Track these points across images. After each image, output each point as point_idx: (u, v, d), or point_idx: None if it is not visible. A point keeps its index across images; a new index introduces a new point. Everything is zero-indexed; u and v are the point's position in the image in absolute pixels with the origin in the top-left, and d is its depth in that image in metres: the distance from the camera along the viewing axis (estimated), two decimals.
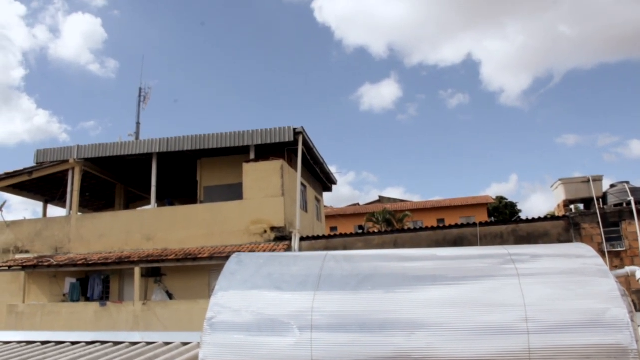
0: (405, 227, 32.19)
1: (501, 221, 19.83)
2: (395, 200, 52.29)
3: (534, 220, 18.62)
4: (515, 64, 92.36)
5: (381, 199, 53.58)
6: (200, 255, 18.23)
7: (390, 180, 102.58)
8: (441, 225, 19.31)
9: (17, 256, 21.58)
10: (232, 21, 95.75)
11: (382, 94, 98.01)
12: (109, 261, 19.20)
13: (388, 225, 38.61)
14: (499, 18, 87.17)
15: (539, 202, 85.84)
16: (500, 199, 51.56)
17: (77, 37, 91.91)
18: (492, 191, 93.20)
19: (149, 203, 21.94)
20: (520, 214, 49.06)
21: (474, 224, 18.67)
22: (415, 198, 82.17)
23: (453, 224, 19.53)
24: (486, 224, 19.23)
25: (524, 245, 4.74)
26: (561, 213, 19.48)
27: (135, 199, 28.17)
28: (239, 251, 17.87)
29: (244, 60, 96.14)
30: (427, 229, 19.52)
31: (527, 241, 17.88)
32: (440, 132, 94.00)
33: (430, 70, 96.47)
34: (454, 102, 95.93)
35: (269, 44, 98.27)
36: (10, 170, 23.15)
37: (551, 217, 19.17)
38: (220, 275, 4.32)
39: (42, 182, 24.08)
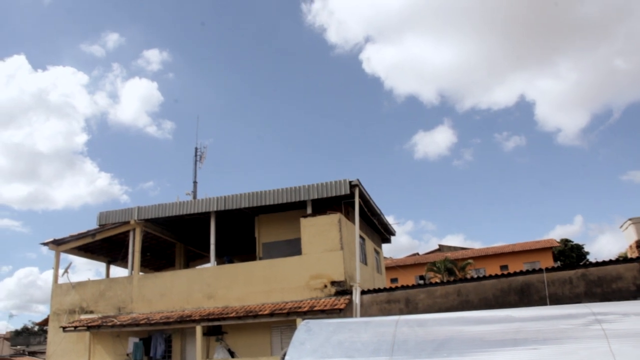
0: (468, 276, 31.36)
1: (569, 265, 18.96)
2: (455, 248, 51.28)
3: (604, 263, 17.72)
4: (570, 102, 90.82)
5: (441, 248, 52.64)
6: (260, 312, 18.11)
7: (449, 227, 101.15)
8: (505, 272, 18.62)
9: (82, 316, 21.95)
10: (283, 77, 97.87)
11: (436, 141, 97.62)
12: (171, 320, 19.28)
13: (450, 274, 37.76)
14: (549, 57, 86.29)
15: (608, 243, 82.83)
16: (566, 241, 49.88)
17: (135, 101, 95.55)
18: (557, 234, 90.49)
19: (208, 261, 22.08)
20: (588, 257, 47.25)
21: (540, 270, 17.93)
22: (476, 245, 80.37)
23: (517, 270, 18.84)
24: (553, 269, 18.44)
25: (609, 303, 4.44)
26: (634, 254, 18.55)
27: (195, 257, 28.46)
28: (300, 307, 17.73)
29: (295, 114, 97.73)
30: (490, 277, 18.86)
31: (598, 286, 17.03)
32: (498, 176, 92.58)
33: (483, 113, 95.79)
34: (510, 144, 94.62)
35: (320, 97, 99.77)
36: (75, 232, 23.87)
37: (624, 259, 18.22)
38: (290, 345, 4.19)
39: (105, 243, 24.65)
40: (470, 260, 40.83)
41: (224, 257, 24.39)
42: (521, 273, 18.10)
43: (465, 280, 18.99)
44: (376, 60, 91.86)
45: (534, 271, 17.96)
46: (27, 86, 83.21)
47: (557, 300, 16.93)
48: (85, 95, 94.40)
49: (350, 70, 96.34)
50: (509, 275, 18.34)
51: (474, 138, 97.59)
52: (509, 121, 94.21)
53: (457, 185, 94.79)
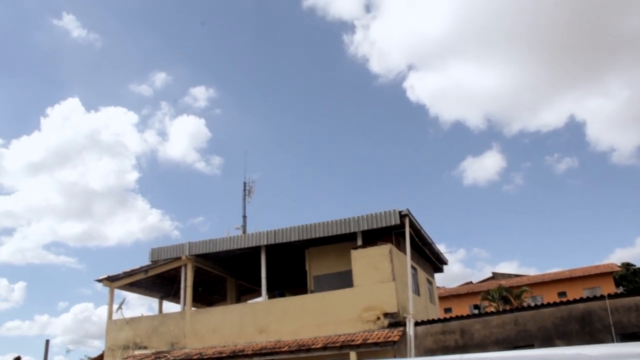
0: (525, 304, 30.38)
1: (633, 291, 18.14)
2: (510, 276, 50.01)
3: None
4: (623, 120, 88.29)
5: (495, 275, 51.43)
6: (313, 346, 17.89)
7: (502, 254, 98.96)
8: (564, 299, 17.96)
9: (136, 352, 22.12)
10: (328, 108, 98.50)
11: (485, 166, 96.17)
12: (224, 355, 19.22)
13: (505, 302, 36.71)
14: (598, 75, 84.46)
15: None
16: (627, 265, 48.03)
17: (184, 138, 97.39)
18: (617, 257, 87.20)
19: (260, 295, 22.04)
20: None
21: (602, 297, 17.18)
22: (532, 271, 78.33)
23: (577, 297, 18.12)
24: (616, 295, 17.69)
25: None
26: None
27: (246, 291, 28.49)
28: (353, 340, 17.45)
29: (341, 145, 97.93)
30: (549, 305, 18.18)
31: None
32: (551, 199, 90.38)
33: (532, 136, 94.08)
34: (562, 166, 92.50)
35: (365, 127, 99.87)
36: (128, 269, 24.25)
37: None
38: None
39: (157, 279, 24.93)
40: (525, 288, 39.69)
41: (275, 291, 24.33)
42: (582, 300, 17.41)
43: (522, 309, 18.40)
44: (420, 88, 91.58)
45: (595, 298, 17.25)
46: (81, 127, 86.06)
47: (622, 328, 16.20)
48: (135, 133, 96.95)
49: (395, 99, 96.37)
50: (569, 302, 17.65)
51: (524, 162, 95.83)
52: (560, 143, 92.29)
53: (509, 210, 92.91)
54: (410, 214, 19.61)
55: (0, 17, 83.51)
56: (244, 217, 28.64)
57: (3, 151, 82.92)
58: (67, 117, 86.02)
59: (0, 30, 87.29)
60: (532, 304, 18.76)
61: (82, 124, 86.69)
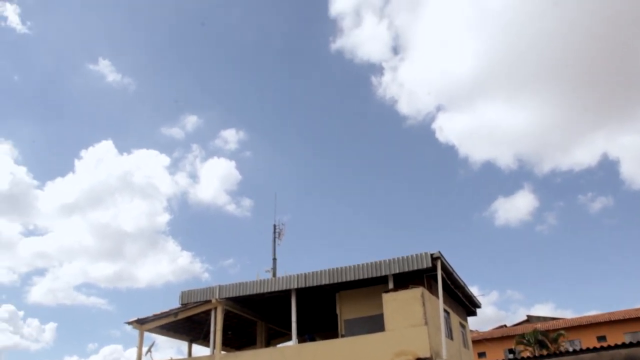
0: (562, 349, 29.57)
1: None
2: (545, 319, 48.73)
3: None
4: None
5: (530, 318, 50.17)
6: None
7: (537, 296, 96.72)
8: (604, 344, 17.34)
9: None
10: (357, 150, 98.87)
11: (517, 206, 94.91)
12: None
13: (541, 347, 35.70)
14: (629, 111, 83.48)
15: None
16: None
17: (214, 180, 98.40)
18: None
19: (290, 339, 21.78)
20: None
21: None
22: (568, 314, 76.29)
23: (619, 342, 17.50)
24: None
25: None
26: None
27: (276, 335, 28.19)
28: None
29: (371, 188, 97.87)
30: (588, 350, 17.58)
31: None
32: (586, 239, 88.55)
33: (564, 175, 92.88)
34: (597, 205, 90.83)
35: (395, 169, 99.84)
36: (158, 312, 24.20)
37: None
38: None
39: (186, 322, 24.82)
40: (562, 332, 38.54)
41: (305, 335, 24.01)
42: (625, 346, 16.78)
43: (560, 354, 17.84)
44: (449, 129, 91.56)
45: (639, 343, 16.63)
46: (114, 169, 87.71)
47: None
48: (167, 176, 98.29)
49: (424, 140, 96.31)
50: (610, 348, 17.05)
51: (556, 201, 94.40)
52: (593, 181, 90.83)
53: (543, 251, 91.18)
54: (442, 256, 19.34)
55: (40, 63, 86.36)
56: (274, 259, 28.57)
57: (38, 193, 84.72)
58: (100, 159, 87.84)
59: (40, 75, 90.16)
60: (570, 349, 18.17)
61: (115, 166, 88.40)
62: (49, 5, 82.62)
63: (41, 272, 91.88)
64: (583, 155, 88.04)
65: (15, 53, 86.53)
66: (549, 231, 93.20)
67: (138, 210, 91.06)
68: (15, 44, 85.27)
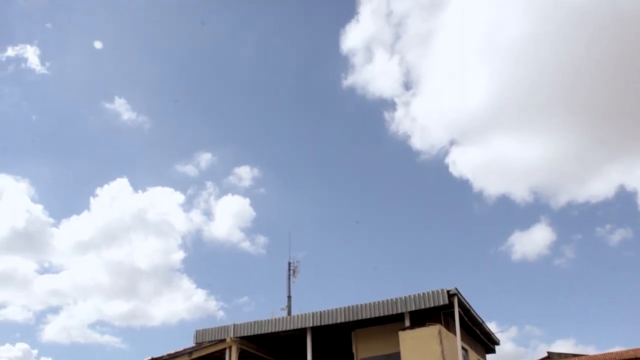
0: None
1: None
2: (566, 355, 47.47)
3: None
4: None
5: (550, 355, 48.92)
6: None
7: (557, 332, 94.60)
8: None
9: None
10: (371, 186, 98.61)
11: (534, 240, 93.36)
12: None
13: None
14: None
15: None
16: None
17: (228, 217, 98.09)
18: None
19: None
20: None
21: None
22: (590, 350, 74.45)
23: None
24: None
25: None
26: None
27: None
28: None
29: (385, 224, 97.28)
30: None
31: None
32: (606, 272, 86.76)
33: (581, 208, 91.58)
34: (615, 238, 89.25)
35: (408, 204, 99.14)
36: (172, 350, 23.98)
37: None
38: None
39: None
40: None
41: None
42: None
43: None
44: (462, 163, 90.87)
45: None
46: (129, 207, 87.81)
47: None
48: (181, 213, 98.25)
49: (437, 175, 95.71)
50: None
51: (574, 234, 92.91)
52: (611, 213, 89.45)
53: (562, 284, 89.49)
54: (459, 293, 19.09)
55: (58, 102, 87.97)
56: (289, 297, 28.40)
57: (54, 230, 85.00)
58: (115, 197, 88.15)
59: (57, 114, 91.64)
60: None
61: (130, 203, 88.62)
62: (68, 46, 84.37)
63: (55, 310, 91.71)
64: (599, 187, 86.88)
65: (34, 93, 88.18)
66: (568, 265, 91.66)
67: (153, 248, 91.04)
68: (35, 84, 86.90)
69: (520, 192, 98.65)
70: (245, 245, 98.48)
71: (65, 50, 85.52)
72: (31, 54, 77.41)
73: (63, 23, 78.11)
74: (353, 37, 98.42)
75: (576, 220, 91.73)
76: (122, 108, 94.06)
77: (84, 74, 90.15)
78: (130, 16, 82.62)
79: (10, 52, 66.14)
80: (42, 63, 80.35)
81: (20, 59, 71.22)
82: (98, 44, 66.13)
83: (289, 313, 26.50)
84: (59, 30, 76.52)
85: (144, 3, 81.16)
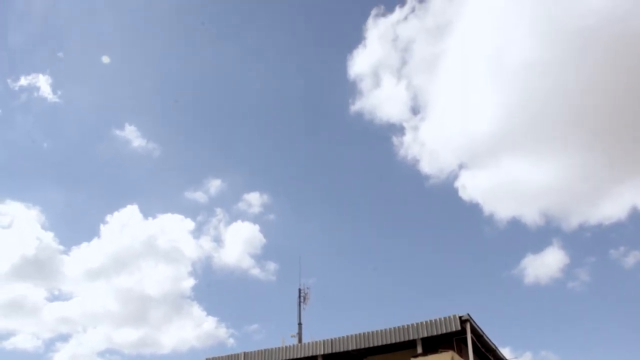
0: None
1: None
2: None
3: None
4: None
5: None
6: None
7: (573, 356, 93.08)
8: None
9: None
10: (381, 211, 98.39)
11: (547, 263, 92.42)
12: None
13: None
14: None
15: None
16: None
17: (238, 244, 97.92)
18: None
19: None
20: None
21: None
22: None
23: None
24: None
25: None
26: None
27: None
28: None
29: (395, 249, 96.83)
30: None
31: None
32: (622, 295, 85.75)
33: (594, 230, 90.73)
34: (630, 260, 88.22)
35: (418, 229, 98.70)
36: None
37: None
38: None
39: None
40: None
41: None
42: None
43: None
44: (472, 186, 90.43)
45: None
46: (139, 234, 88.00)
47: None
48: (191, 240, 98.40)
49: (448, 199, 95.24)
50: None
51: (587, 257, 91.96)
52: (624, 235, 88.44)
53: (576, 308, 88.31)
54: (471, 318, 18.91)
55: (69, 130, 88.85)
56: (300, 324, 28.17)
57: (64, 258, 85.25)
58: (125, 224, 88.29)
59: (68, 141, 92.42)
60: None
61: (140, 230, 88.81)
62: (80, 74, 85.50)
63: (65, 337, 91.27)
64: (612, 208, 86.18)
65: (46, 121, 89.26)
66: (582, 288, 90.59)
67: (163, 275, 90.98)
68: (46, 112, 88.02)
69: (531, 215, 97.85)
70: (256, 271, 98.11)
71: (77, 79, 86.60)
72: (43, 83, 78.42)
73: (74, 52, 79.31)
74: (360, 63, 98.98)
75: (589, 243, 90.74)
76: (132, 135, 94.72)
77: (95, 101, 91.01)
78: (140, 45, 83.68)
79: (23, 81, 67.17)
80: (54, 92, 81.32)
81: (32, 88, 72.26)
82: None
83: (300, 340, 26.27)
84: (70, 59, 77.71)
85: (154, 32, 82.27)
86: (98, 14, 78.57)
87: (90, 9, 78.94)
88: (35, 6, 72.65)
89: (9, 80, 69.59)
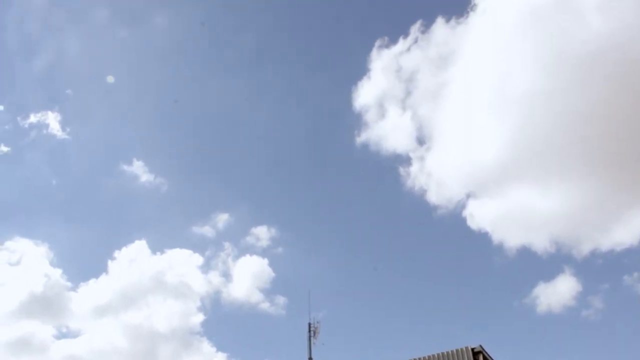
0: None
1: None
2: None
3: None
4: None
5: None
6: None
7: None
8: None
9: None
10: (390, 242, 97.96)
11: (560, 291, 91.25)
12: None
13: None
14: None
15: None
16: None
17: (247, 278, 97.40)
18: None
19: None
20: None
21: None
22: None
23: None
24: None
25: None
26: None
27: None
28: None
29: (405, 281, 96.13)
30: None
31: None
32: (638, 322, 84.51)
33: (606, 256, 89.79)
34: None
35: (427, 260, 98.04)
36: None
37: None
38: None
39: None
40: None
41: None
42: None
43: None
44: (481, 215, 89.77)
45: None
46: (147, 269, 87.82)
47: None
48: (199, 275, 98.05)
49: (456, 229, 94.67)
50: None
51: (601, 284, 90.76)
52: (637, 261, 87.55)
53: (591, 336, 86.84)
54: (484, 350, 18.67)
55: (77, 166, 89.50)
56: (310, 359, 27.85)
57: (71, 295, 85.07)
58: (133, 260, 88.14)
59: (76, 178, 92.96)
60: None
61: (148, 266, 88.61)
62: (88, 111, 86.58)
63: None
64: (623, 234, 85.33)
65: (55, 158, 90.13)
66: (596, 316, 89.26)
67: (171, 311, 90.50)
68: (56, 149, 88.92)
69: (541, 243, 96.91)
70: (265, 306, 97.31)
71: (85, 115, 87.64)
72: (52, 120, 79.33)
73: (83, 89, 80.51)
74: (365, 94, 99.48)
75: (602, 270, 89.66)
76: (140, 170, 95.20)
77: (104, 137, 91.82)
78: (148, 81, 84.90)
79: (33, 118, 68.01)
80: (63, 128, 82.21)
81: (42, 125, 73.12)
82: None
83: None
84: (79, 96, 78.84)
85: (161, 70, 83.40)
86: (106, 51, 79.90)
87: (98, 46, 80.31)
88: (44, 44, 74.05)
89: (18, 118, 70.74)
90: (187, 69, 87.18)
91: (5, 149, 68.62)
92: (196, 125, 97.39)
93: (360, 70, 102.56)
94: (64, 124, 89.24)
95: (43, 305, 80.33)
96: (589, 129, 72.91)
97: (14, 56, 78.57)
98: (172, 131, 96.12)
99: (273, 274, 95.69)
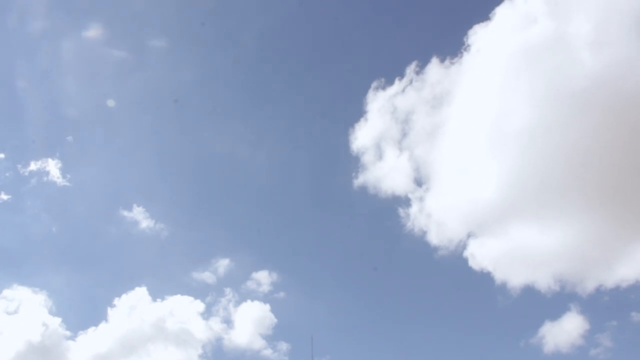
0: None
1: None
2: None
3: None
4: None
5: None
6: None
7: None
8: None
9: None
10: (391, 286, 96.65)
11: (566, 330, 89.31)
12: None
13: None
14: None
15: None
16: None
17: (248, 324, 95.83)
18: None
19: None
20: None
21: None
22: None
23: None
24: None
25: None
26: None
27: None
28: None
29: (409, 326, 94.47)
30: None
31: None
32: None
33: (611, 293, 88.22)
34: None
35: (430, 303, 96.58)
36: None
37: None
38: None
39: None
40: None
41: None
42: None
43: None
44: (482, 255, 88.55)
45: None
46: (147, 317, 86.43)
47: None
48: (200, 321, 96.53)
49: (458, 270, 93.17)
50: None
51: (608, 321, 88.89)
52: None
53: None
54: None
55: (77, 213, 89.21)
56: None
57: (70, 344, 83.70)
58: (133, 307, 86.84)
59: (76, 225, 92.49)
60: None
61: (149, 313, 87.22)
62: (88, 158, 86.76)
63: None
64: (627, 270, 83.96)
65: (55, 205, 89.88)
66: (606, 354, 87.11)
67: (173, 359, 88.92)
68: (56, 196, 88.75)
69: (545, 281, 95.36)
70: (267, 352, 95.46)
71: (86, 162, 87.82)
72: (52, 167, 79.39)
73: (83, 136, 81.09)
74: (362, 136, 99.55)
75: (608, 306, 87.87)
76: (140, 216, 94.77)
77: (104, 183, 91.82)
78: (146, 126, 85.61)
79: (33, 166, 68.23)
80: (63, 175, 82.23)
81: (42, 173, 73.32)
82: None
83: None
84: (79, 143, 79.32)
85: (160, 114, 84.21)
86: (106, 98, 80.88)
87: (99, 95, 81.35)
88: (44, 92, 75.18)
89: (19, 166, 71.10)
90: (187, 115, 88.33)
91: (5, 197, 68.96)
92: (195, 170, 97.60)
93: (357, 112, 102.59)
94: (64, 171, 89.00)
95: (41, 355, 78.79)
96: (587, 164, 72.46)
97: (16, 108, 79.89)
98: (172, 177, 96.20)
99: (275, 320, 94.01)
